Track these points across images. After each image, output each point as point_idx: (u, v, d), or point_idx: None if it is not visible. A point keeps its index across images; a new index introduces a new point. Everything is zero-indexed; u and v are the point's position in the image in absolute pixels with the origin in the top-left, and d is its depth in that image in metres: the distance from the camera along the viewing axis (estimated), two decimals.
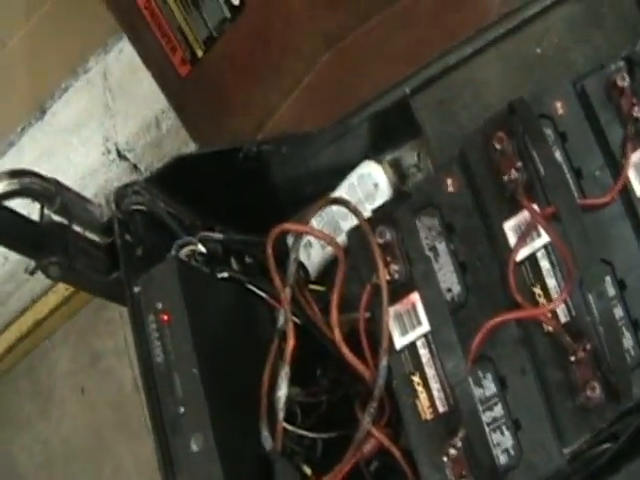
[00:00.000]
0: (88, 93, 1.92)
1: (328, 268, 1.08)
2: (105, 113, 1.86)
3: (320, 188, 1.12)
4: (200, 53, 1.34)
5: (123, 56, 1.88)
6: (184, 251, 0.98)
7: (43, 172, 0.97)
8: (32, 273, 0.96)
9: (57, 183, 0.97)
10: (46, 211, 0.97)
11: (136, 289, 0.90)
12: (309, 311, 0.94)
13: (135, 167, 1.84)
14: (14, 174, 0.93)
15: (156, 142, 1.80)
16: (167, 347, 0.85)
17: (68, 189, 0.99)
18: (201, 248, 0.99)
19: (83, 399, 2.10)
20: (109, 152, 1.81)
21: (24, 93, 1.96)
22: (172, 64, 1.31)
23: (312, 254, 1.07)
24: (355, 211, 0.91)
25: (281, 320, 0.92)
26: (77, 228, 0.97)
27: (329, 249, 1.06)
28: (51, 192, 0.95)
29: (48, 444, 2.13)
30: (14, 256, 1.94)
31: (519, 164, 0.85)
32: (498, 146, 0.86)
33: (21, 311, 2.14)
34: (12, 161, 1.97)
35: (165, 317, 0.86)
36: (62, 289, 2.06)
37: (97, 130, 1.86)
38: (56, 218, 0.96)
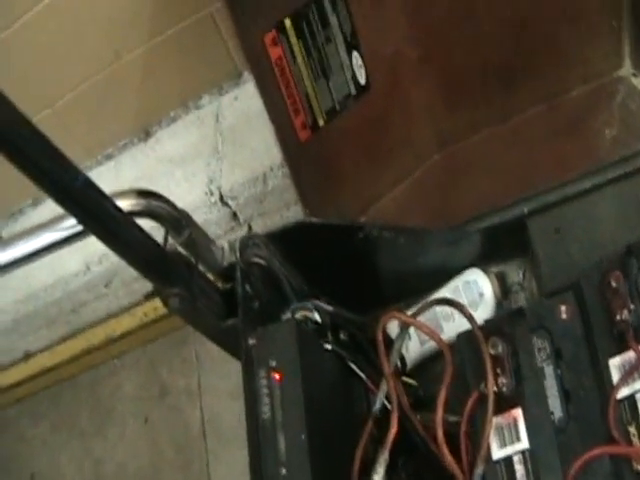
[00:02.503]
0: (198, 130, 1.93)
1: (423, 364, 1.11)
2: (213, 154, 1.88)
3: (423, 285, 1.16)
4: (321, 122, 1.37)
5: (238, 103, 1.91)
6: (298, 315, 1.01)
7: None
8: (148, 297, 0.98)
9: (188, 216, 1.00)
10: (170, 240, 0.99)
11: (251, 341, 0.93)
12: (403, 403, 0.96)
13: (235, 215, 1.86)
14: (142, 194, 0.96)
15: (260, 197, 1.82)
16: (275, 405, 0.88)
17: (197, 225, 1.02)
18: (316, 316, 1.01)
19: (145, 429, 2.10)
20: (212, 194, 1.83)
21: (130, 110, 1.98)
22: (293, 125, 1.32)
23: (410, 347, 1.11)
24: (470, 317, 0.95)
25: (377, 404, 0.95)
26: (201, 266, 1.00)
27: (428, 345, 1.10)
28: (180, 223, 0.98)
29: (100, 463, 2.13)
30: (96, 267, 1.99)
31: (632, 306, 0.89)
32: (614, 284, 0.90)
33: (93, 323, 2.16)
34: (110, 174, 1.99)
35: (277, 376, 0.89)
36: (140, 313, 2.07)
37: (203, 169, 1.88)
38: (182, 251, 0.99)
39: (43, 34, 1.76)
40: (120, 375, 2.22)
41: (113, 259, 1.88)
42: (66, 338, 2.19)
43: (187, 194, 1.84)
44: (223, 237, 1.84)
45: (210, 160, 1.86)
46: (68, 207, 0.79)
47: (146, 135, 2.01)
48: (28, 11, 1.71)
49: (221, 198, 1.83)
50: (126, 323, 2.12)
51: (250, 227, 1.88)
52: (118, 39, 1.81)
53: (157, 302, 1.94)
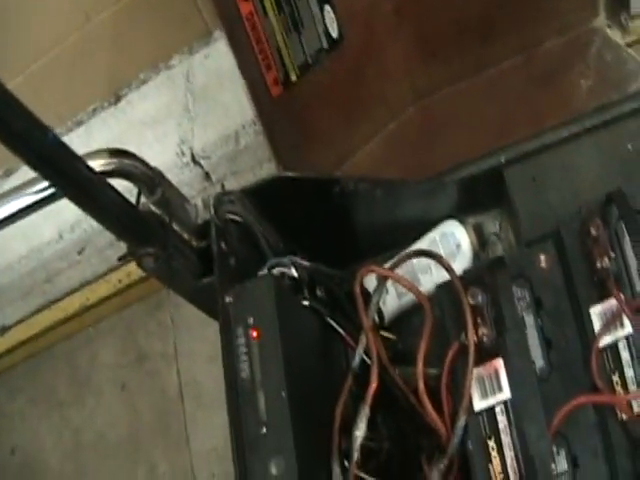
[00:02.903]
0: (168, 90, 1.92)
1: (400, 317, 1.10)
2: (184, 115, 1.86)
3: (400, 238, 1.15)
4: (294, 77, 1.35)
5: (209, 62, 1.89)
6: (275, 271, 1.00)
7: None
8: (121, 259, 0.97)
9: (161, 175, 0.98)
10: (143, 199, 0.97)
11: (228, 299, 0.91)
12: (382, 357, 0.95)
13: (207, 175, 1.84)
14: (115, 153, 0.93)
15: (232, 155, 1.80)
16: (254, 364, 0.86)
17: (170, 183, 1.00)
18: (293, 272, 1.00)
19: (123, 395, 2.09)
20: (183, 154, 1.81)
21: (99, 74, 1.96)
22: (265, 81, 1.31)
23: (388, 301, 1.09)
24: (448, 268, 0.93)
25: (357, 359, 0.94)
26: (175, 225, 0.98)
27: (406, 299, 1.09)
28: (153, 181, 0.96)
29: (79, 433, 2.13)
30: (69, 235, 1.97)
31: (612, 254, 0.88)
32: (594, 233, 0.89)
33: (68, 292, 2.15)
34: (80, 140, 1.98)
35: (255, 333, 0.87)
36: (114, 279, 2.07)
37: (174, 130, 1.86)
38: (155, 210, 0.97)
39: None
40: (96, 343, 2.21)
41: (86, 226, 1.87)
42: (42, 309, 2.18)
43: (159, 155, 1.83)
44: (196, 197, 1.82)
45: (181, 120, 1.85)
46: (39, 167, 0.77)
47: (116, 98, 2.00)
48: None
49: (193, 158, 1.82)
50: (101, 290, 2.12)
51: (223, 186, 1.87)
52: (87, 2, 1.79)
53: (131, 267, 1.94)
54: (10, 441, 2.26)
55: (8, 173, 2.10)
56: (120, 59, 1.93)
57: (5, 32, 1.81)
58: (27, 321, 2.19)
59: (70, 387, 2.21)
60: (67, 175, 0.80)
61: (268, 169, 1.77)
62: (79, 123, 2.03)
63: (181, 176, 1.82)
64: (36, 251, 2.00)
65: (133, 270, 1.99)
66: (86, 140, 1.98)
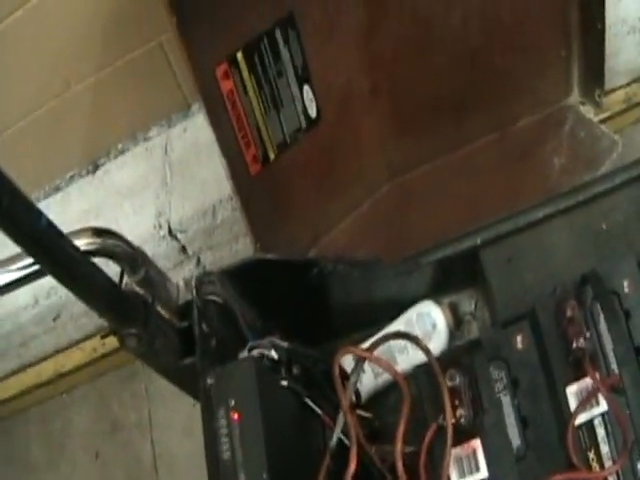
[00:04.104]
0: (146, 162, 1.92)
1: (377, 395, 1.11)
2: (162, 187, 1.86)
3: (375, 316, 1.17)
4: (272, 156, 1.37)
5: (187, 136, 1.90)
6: (255, 352, 1.01)
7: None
8: (104, 337, 0.97)
9: (143, 254, 0.99)
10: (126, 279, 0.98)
11: (209, 381, 0.92)
12: (360, 437, 0.96)
13: (184, 249, 1.85)
14: (98, 232, 0.94)
15: (209, 230, 1.81)
16: (235, 445, 0.87)
17: (152, 263, 1.01)
18: (273, 353, 1.01)
19: (97, 464, 2.08)
20: (160, 227, 1.82)
21: (78, 141, 1.96)
22: (244, 159, 1.33)
23: (364, 380, 1.11)
24: (427, 351, 0.95)
25: (334, 439, 0.95)
26: (157, 305, 0.99)
27: (383, 378, 1.10)
28: (136, 261, 0.97)
29: None
30: (44, 301, 1.97)
31: (587, 334, 0.90)
32: (569, 313, 0.92)
33: (42, 357, 2.14)
34: (58, 206, 1.96)
35: (236, 415, 0.88)
36: (89, 348, 2.07)
37: (151, 202, 1.87)
38: (138, 289, 0.98)
39: None
40: (70, 409, 2.20)
41: (61, 292, 1.87)
42: (16, 372, 2.16)
43: (135, 227, 1.83)
44: (172, 270, 1.83)
45: (159, 192, 1.85)
46: (28, 248, 0.78)
47: (94, 167, 1.99)
48: None
49: (170, 231, 1.82)
50: (75, 357, 2.11)
51: (199, 260, 1.87)
52: (68, 69, 1.79)
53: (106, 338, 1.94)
54: None
55: None
56: (99, 127, 1.93)
57: None
58: (2, 382, 2.17)
59: (44, 452, 2.19)
60: (54, 256, 0.81)
61: (244, 244, 1.78)
62: (56, 189, 2.02)
63: (157, 249, 1.83)
64: (12, 315, 2.00)
65: (108, 340, 1.98)
66: (63, 207, 1.97)
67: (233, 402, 0.89)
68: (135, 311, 0.96)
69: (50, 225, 0.79)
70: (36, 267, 0.89)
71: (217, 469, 0.86)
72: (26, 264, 0.90)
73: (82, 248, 0.90)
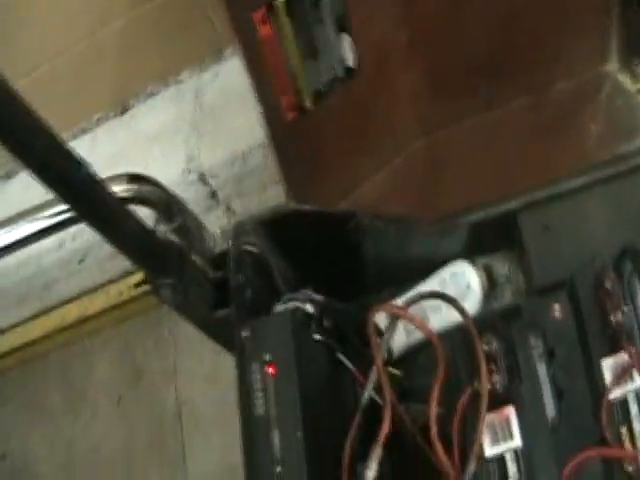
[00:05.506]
0: (176, 106, 1.91)
1: (406, 354, 1.11)
2: (192, 131, 1.85)
3: (407, 274, 1.15)
4: (308, 104, 1.36)
5: (219, 81, 1.89)
6: (289, 305, 1.00)
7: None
8: (138, 286, 0.97)
9: (179, 202, 0.99)
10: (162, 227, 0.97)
11: (244, 334, 0.92)
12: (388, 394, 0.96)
13: (213, 194, 1.84)
14: (134, 178, 0.94)
15: (239, 177, 1.80)
16: (269, 400, 0.87)
17: (190, 211, 1.01)
18: (308, 308, 1.00)
19: (119, 410, 2.08)
20: (190, 172, 1.81)
21: (106, 83, 1.94)
22: (280, 106, 1.32)
23: (396, 338, 1.10)
24: (464, 314, 0.94)
25: (366, 396, 0.94)
26: (193, 255, 0.97)
27: (414, 336, 1.09)
28: (172, 209, 0.97)
29: (73, 444, 2.10)
30: (70, 244, 1.96)
31: (625, 308, 0.89)
32: (608, 285, 0.90)
33: (65, 301, 2.14)
34: (85, 149, 1.96)
35: (271, 370, 0.88)
36: (114, 292, 2.06)
37: (181, 146, 1.86)
38: (174, 238, 0.97)
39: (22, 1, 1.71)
40: (93, 354, 2.19)
41: (87, 236, 1.86)
42: (38, 315, 2.16)
43: (165, 171, 1.81)
44: (200, 216, 1.82)
45: (189, 137, 1.84)
46: (65, 197, 0.77)
47: (123, 109, 1.97)
48: None
49: (200, 176, 1.79)
50: (100, 301, 2.10)
51: (228, 207, 1.86)
52: (99, 9, 1.78)
53: (131, 281, 1.94)
54: (1, 446, 2.24)
55: (10, 175, 2.07)
56: (128, 70, 1.93)
57: (14, 32, 1.79)
58: (22, 327, 2.17)
59: (64, 397, 2.20)
60: (91, 204, 0.81)
61: (273, 192, 1.76)
62: (85, 131, 2.02)
63: (186, 193, 1.81)
64: (35, 258, 1.99)
65: (134, 283, 1.98)
66: (91, 149, 1.97)
67: (268, 356, 0.89)
68: (171, 261, 0.95)
69: (89, 174, 0.78)
70: (70, 214, 0.88)
71: (250, 424, 0.86)
72: (59, 211, 0.89)
73: (117, 195, 0.90)
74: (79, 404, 2.18)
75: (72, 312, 2.16)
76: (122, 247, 0.90)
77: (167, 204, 0.96)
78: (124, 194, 0.94)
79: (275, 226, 1.06)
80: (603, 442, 0.86)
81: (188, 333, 1.79)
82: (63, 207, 0.90)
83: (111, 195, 0.84)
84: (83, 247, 1.96)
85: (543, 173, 1.17)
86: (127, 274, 1.96)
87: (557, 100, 1.51)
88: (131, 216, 0.89)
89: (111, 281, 2.07)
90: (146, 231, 0.92)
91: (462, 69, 1.51)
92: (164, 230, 0.97)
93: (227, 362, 0.98)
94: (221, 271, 1.01)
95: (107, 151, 1.96)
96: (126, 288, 2.02)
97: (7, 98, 0.68)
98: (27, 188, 1.85)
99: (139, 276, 1.77)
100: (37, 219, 0.93)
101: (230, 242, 1.00)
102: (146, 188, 0.95)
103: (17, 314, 2.19)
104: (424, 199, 1.45)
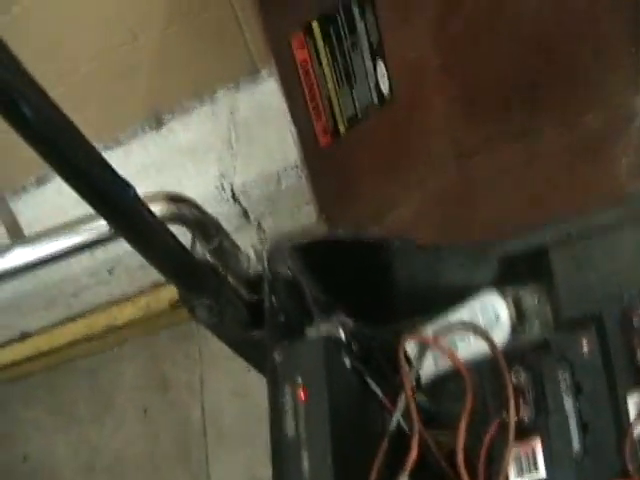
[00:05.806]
0: (212, 123, 1.92)
1: (434, 382, 1.12)
2: (226, 149, 1.86)
3: (437, 301, 1.17)
4: (342, 129, 1.37)
5: (254, 100, 1.89)
6: (322, 330, 1.02)
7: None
8: (175, 308, 0.98)
9: (217, 223, 1.01)
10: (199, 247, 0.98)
11: (277, 357, 0.93)
12: (416, 423, 0.97)
13: (245, 213, 1.85)
14: (173, 198, 0.95)
15: (272, 197, 1.82)
16: (299, 423, 0.89)
17: (226, 232, 1.02)
18: (341, 333, 1.02)
19: (145, 420, 2.09)
20: (223, 189, 1.82)
21: (142, 95, 1.94)
22: (314, 129, 1.32)
23: (424, 366, 1.11)
24: (494, 346, 0.96)
25: (394, 423, 0.96)
26: (229, 276, 0.99)
27: (442, 364, 1.11)
28: (209, 230, 0.99)
29: (97, 451, 2.12)
30: (101, 254, 1.97)
31: None
32: (635, 321, 0.92)
33: (93, 309, 2.15)
34: (119, 160, 1.92)
35: (302, 394, 0.90)
36: (143, 303, 2.07)
37: (215, 163, 1.86)
38: (210, 259, 0.99)
39: (60, 8, 1.72)
40: (120, 364, 2.21)
41: (118, 246, 1.87)
42: (65, 321, 2.17)
43: (197, 187, 1.82)
44: (233, 234, 1.83)
45: (223, 155, 1.84)
46: (108, 216, 0.78)
47: (158, 123, 1.98)
48: None
49: (233, 194, 1.81)
50: (128, 312, 2.11)
51: (260, 225, 1.88)
52: (136, 20, 1.78)
53: (161, 293, 1.95)
54: (22, 448, 2.27)
55: (40, 181, 2.07)
56: (163, 83, 1.92)
57: (53, 40, 1.81)
58: (49, 331, 2.19)
59: (90, 404, 2.22)
60: (132, 222, 0.82)
61: (306, 212, 1.78)
62: (118, 142, 2.02)
63: (219, 210, 1.81)
64: (65, 264, 2.00)
65: (163, 296, 2.00)
66: (124, 161, 1.97)
67: (300, 380, 0.90)
68: (207, 281, 0.97)
69: (136, 196, 0.79)
70: (109, 230, 0.89)
71: (281, 444, 0.88)
72: (98, 226, 0.90)
73: (156, 214, 0.89)
74: (105, 412, 2.20)
75: (101, 321, 2.17)
76: (161, 266, 0.91)
77: (204, 225, 0.98)
78: (163, 213, 0.95)
79: (309, 251, 1.08)
80: (625, 475, 0.88)
81: (216, 348, 1.80)
82: (101, 222, 0.91)
83: (155, 217, 0.85)
84: (114, 257, 1.98)
85: (574, 203, 1.17)
86: (157, 285, 1.98)
87: (589, 130, 1.52)
88: (172, 236, 0.90)
89: (141, 292, 2.08)
90: (184, 250, 0.93)
91: (495, 95, 1.51)
92: (202, 251, 0.98)
93: (253, 379, 0.99)
94: (255, 293, 1.02)
95: (141, 164, 1.96)
96: (154, 300, 2.04)
97: (62, 121, 0.69)
98: (60, 194, 1.87)
99: (170, 291, 1.79)
100: (76, 233, 0.94)
101: (265, 265, 1.01)
102: (185, 208, 0.97)
103: (44, 318, 2.21)
104: (456, 223, 1.46)
